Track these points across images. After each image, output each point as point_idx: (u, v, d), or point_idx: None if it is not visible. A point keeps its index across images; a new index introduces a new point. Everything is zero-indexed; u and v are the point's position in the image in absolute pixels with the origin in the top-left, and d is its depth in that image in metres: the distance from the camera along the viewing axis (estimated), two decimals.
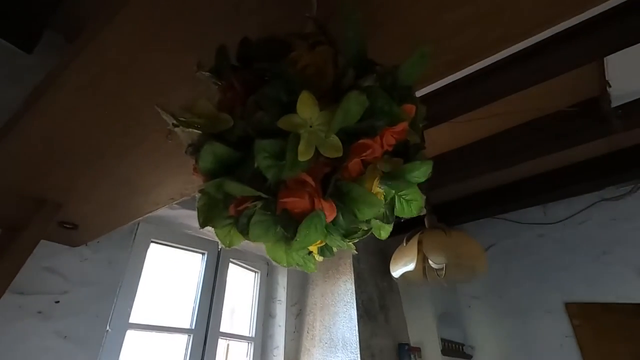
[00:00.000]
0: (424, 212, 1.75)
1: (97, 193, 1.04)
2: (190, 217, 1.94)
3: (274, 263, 2.41)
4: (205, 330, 1.84)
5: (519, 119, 2.18)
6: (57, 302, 1.30)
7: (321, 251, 0.36)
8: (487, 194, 2.97)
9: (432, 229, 1.51)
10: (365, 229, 0.34)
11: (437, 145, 2.33)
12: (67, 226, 1.21)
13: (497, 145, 2.29)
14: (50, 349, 1.26)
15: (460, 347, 2.82)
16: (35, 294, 1.27)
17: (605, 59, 1.61)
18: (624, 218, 2.60)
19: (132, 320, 1.59)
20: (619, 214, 2.64)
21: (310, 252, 0.34)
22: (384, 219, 0.35)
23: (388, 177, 0.33)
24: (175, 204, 1.85)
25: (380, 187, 0.33)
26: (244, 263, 2.25)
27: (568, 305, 2.34)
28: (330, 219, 0.31)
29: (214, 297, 1.94)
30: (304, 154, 0.27)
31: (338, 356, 2.01)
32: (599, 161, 2.52)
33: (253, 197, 0.31)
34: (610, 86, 1.75)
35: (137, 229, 1.71)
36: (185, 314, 1.84)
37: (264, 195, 0.30)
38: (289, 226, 0.31)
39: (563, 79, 1.69)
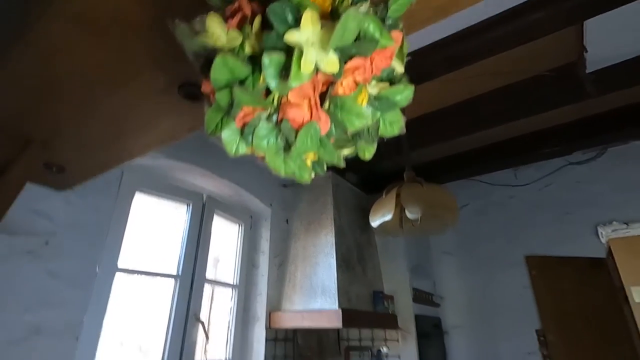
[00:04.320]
0: (404, 131, 1.84)
1: (85, 132, 1.04)
2: (174, 169, 1.96)
3: (257, 215, 2.49)
4: (192, 276, 1.93)
5: (499, 82, 2.25)
6: (47, 243, 1.34)
7: (313, 166, 0.41)
8: (463, 156, 3.08)
9: (410, 182, 1.60)
10: (354, 144, 0.39)
11: (422, 105, 2.38)
12: (54, 168, 1.22)
13: (478, 107, 2.36)
14: (41, 287, 1.31)
15: (430, 297, 3.05)
16: (24, 235, 1.30)
17: (584, 22, 1.67)
18: (587, 181, 2.79)
19: (120, 264, 1.64)
20: (583, 178, 2.82)
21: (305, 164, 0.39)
22: (369, 137, 0.40)
23: (375, 99, 0.38)
24: (160, 154, 1.86)
25: (367, 108, 0.37)
26: (228, 215, 2.31)
27: (528, 258, 2.55)
28: (324, 131, 0.36)
29: (200, 245, 2.01)
30: (306, 67, 0.31)
31: (317, 301, 2.15)
32: (568, 127, 2.65)
33: (258, 109, 0.35)
34: (587, 51, 1.82)
35: (122, 178, 1.72)
36: (171, 261, 1.91)
37: (268, 105, 0.35)
38: (288, 135, 0.36)
39: (543, 43, 1.75)
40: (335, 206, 2.48)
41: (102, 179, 1.58)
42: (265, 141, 0.36)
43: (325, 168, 0.43)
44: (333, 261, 2.24)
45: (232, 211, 2.35)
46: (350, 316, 2.06)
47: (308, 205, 2.60)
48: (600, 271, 2.41)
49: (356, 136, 0.39)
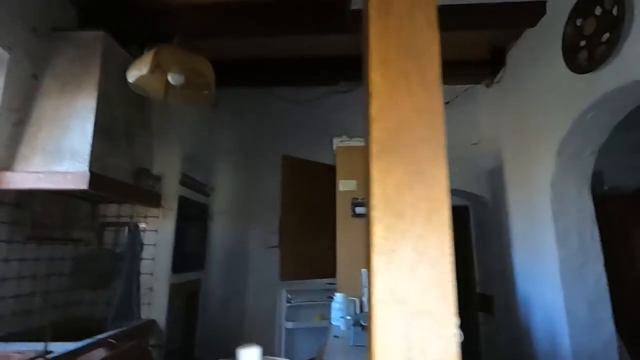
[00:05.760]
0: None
1: None
2: None
3: None
4: None
5: None
6: None
7: None
8: (259, 65, 3.28)
9: (174, 45, 1.62)
10: None
11: None
12: None
13: (263, 11, 2.50)
14: None
15: (203, 187, 3.29)
16: None
17: None
18: (341, 108, 3.51)
19: None
20: (340, 104, 3.53)
21: None
22: None
23: None
24: None
25: None
26: None
27: (283, 156, 3.09)
28: None
29: None
30: None
31: (64, 165, 1.98)
32: (338, 60, 3.20)
33: None
34: None
35: None
36: None
37: None
38: None
39: None
40: (104, 71, 2.22)
41: None
42: None
43: None
44: (90, 127, 2.07)
45: None
46: (101, 181, 2.01)
47: (68, 62, 2.23)
48: (330, 175, 3.18)
49: None
